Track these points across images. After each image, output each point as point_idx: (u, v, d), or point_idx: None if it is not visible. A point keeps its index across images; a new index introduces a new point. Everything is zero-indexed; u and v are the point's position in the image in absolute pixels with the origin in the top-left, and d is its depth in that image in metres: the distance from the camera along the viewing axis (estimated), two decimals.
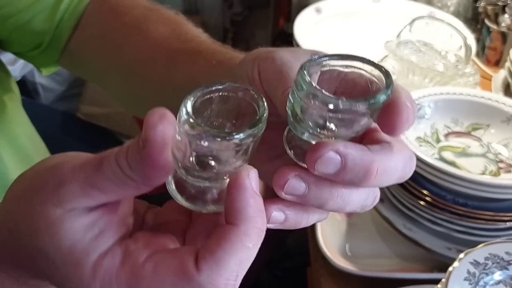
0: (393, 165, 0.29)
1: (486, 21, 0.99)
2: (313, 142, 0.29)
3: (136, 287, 0.27)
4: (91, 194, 0.27)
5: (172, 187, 0.30)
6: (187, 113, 0.27)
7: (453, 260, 0.57)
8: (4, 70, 0.63)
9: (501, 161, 0.65)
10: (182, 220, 0.32)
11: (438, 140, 0.68)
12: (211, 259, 0.26)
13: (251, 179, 0.28)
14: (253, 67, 0.34)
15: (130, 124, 1.13)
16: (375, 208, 0.68)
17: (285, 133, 0.32)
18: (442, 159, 0.65)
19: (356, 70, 0.30)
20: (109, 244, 0.28)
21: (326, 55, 0.30)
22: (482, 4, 1.00)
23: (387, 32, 0.86)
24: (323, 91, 0.27)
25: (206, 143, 0.26)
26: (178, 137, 0.27)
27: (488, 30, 0.98)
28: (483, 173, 0.63)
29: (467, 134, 0.69)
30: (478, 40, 1.00)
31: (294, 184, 0.29)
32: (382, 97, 0.27)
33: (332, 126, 0.28)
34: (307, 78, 0.28)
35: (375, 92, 0.28)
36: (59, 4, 0.55)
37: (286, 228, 0.31)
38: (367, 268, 0.63)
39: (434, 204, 0.61)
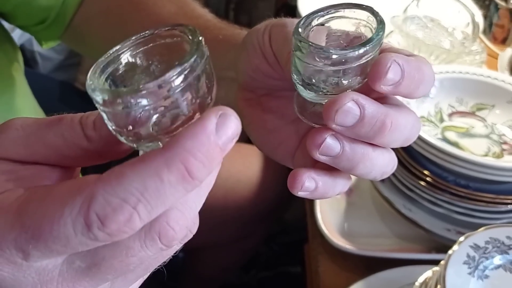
0: (404, 122, 0.29)
1: None
2: (324, 101, 0.29)
3: (25, 211, 0.23)
4: (33, 147, 0.25)
5: None
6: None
7: (452, 241, 0.56)
8: (11, 42, 0.62)
9: (505, 143, 0.64)
10: None
11: (441, 120, 0.67)
12: (114, 173, 0.22)
13: (225, 123, 0.23)
14: (264, 32, 0.34)
15: None
16: (375, 187, 0.67)
17: (294, 99, 0.33)
18: (445, 139, 0.64)
19: (348, 19, 0.30)
20: (16, 187, 0.25)
21: (316, 12, 0.30)
22: None
23: (394, 7, 0.84)
24: (323, 46, 0.28)
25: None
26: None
27: (496, 7, 0.96)
28: (486, 155, 0.62)
29: (471, 114, 0.68)
30: (485, 17, 0.98)
31: (331, 144, 0.29)
32: (377, 36, 0.28)
33: (335, 79, 0.28)
34: (303, 37, 0.28)
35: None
36: None
37: (313, 198, 0.31)
38: (365, 248, 0.63)
39: (435, 185, 0.60)
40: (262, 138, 0.37)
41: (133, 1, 0.52)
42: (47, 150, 0.26)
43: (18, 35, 1.07)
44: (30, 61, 1.15)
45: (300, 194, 0.30)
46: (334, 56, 0.27)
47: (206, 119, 0.22)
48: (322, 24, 0.30)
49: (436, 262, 0.55)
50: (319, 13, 0.30)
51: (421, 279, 0.53)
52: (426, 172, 0.61)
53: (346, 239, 0.64)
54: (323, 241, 0.65)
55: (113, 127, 0.25)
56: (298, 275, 1.16)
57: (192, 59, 0.24)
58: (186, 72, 0.23)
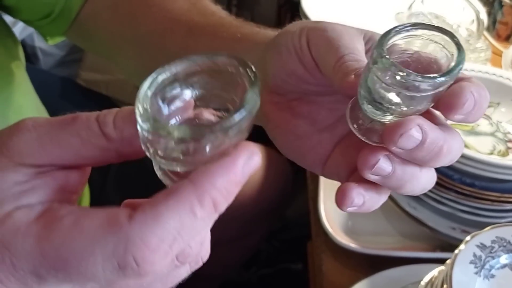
0: (455, 146, 0.29)
1: None
2: (385, 120, 0.29)
3: (48, 241, 0.23)
4: (47, 148, 0.25)
5: None
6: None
7: (457, 240, 0.56)
8: (12, 38, 0.61)
9: (510, 141, 0.64)
10: None
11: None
12: (150, 211, 0.23)
13: (249, 163, 0.24)
14: (300, 36, 0.33)
15: (131, 91, 1.11)
16: None
17: (349, 110, 0.32)
18: None
19: (424, 39, 0.29)
20: (32, 201, 0.25)
21: (396, 28, 0.29)
22: None
23: (399, 3, 0.84)
24: (412, 72, 0.27)
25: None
26: None
27: (500, 4, 0.96)
28: (492, 153, 0.62)
29: None
30: (489, 14, 0.97)
31: (383, 165, 0.29)
32: (457, 70, 0.27)
33: (407, 104, 0.28)
34: (388, 57, 0.27)
35: (448, 65, 0.28)
36: None
37: (358, 212, 0.31)
38: (369, 246, 0.63)
39: (440, 183, 0.60)
40: (290, 143, 0.36)
41: None
42: (62, 150, 0.25)
43: (19, 30, 1.07)
44: (31, 56, 1.15)
45: (349, 210, 0.30)
46: (416, 83, 0.27)
47: (238, 159, 0.24)
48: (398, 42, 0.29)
49: (440, 261, 0.54)
50: (401, 30, 0.29)
51: (426, 278, 0.52)
52: None
53: (350, 237, 0.64)
54: (326, 239, 0.64)
55: (146, 142, 0.25)
56: (299, 272, 1.16)
57: (250, 106, 0.24)
58: (241, 120, 0.24)
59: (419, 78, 0.27)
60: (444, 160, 0.29)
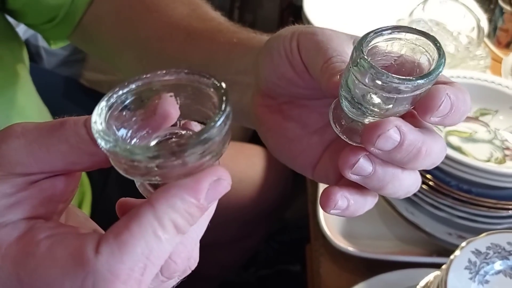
0: (435, 149, 0.29)
1: (500, 2, 0.96)
2: (365, 121, 0.29)
3: (23, 266, 0.23)
4: (37, 154, 0.25)
5: None
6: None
7: (454, 245, 0.57)
8: (18, 41, 0.62)
9: (508, 148, 0.64)
10: None
11: None
12: (115, 241, 0.22)
13: (216, 188, 0.24)
14: (291, 39, 0.34)
15: None
16: None
17: (331, 109, 0.32)
18: (448, 143, 0.64)
19: (407, 42, 0.30)
20: (16, 217, 0.25)
21: (377, 30, 0.29)
22: None
23: (400, 10, 0.84)
24: (389, 73, 0.27)
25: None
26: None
27: (501, 11, 0.96)
28: (489, 160, 0.62)
29: (474, 119, 0.68)
30: (490, 20, 0.98)
31: (364, 164, 0.29)
32: (434, 74, 0.27)
33: (386, 105, 0.28)
34: (366, 58, 0.27)
35: (429, 69, 0.28)
36: None
37: (344, 216, 0.31)
38: (366, 250, 0.63)
39: (438, 189, 0.61)
40: (281, 146, 0.36)
41: (144, 2, 0.51)
42: (51, 157, 0.25)
43: (23, 29, 1.07)
44: (35, 56, 1.15)
45: (332, 212, 0.30)
46: (394, 85, 0.27)
47: (201, 183, 0.23)
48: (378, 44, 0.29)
49: (437, 266, 0.55)
50: (382, 32, 0.29)
51: (422, 283, 0.53)
52: (428, 176, 0.61)
53: (348, 240, 0.64)
54: (325, 242, 0.65)
55: (111, 160, 0.24)
56: (297, 274, 1.16)
57: (216, 130, 0.23)
58: (206, 143, 0.23)
59: (396, 80, 0.27)
60: (424, 163, 0.29)
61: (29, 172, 0.25)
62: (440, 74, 0.28)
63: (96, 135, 0.23)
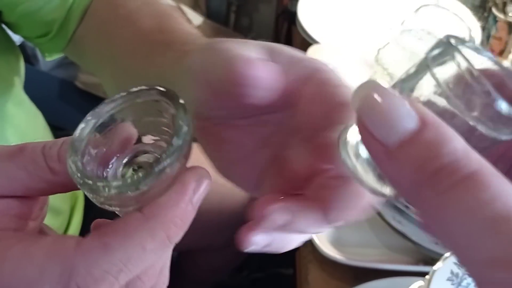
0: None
1: (494, 10, 0.97)
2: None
3: None
4: None
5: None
6: None
7: (440, 254, 0.57)
8: (15, 54, 0.63)
9: None
10: None
11: None
12: (98, 241, 0.23)
13: (200, 188, 0.24)
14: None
15: None
16: None
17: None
18: None
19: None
20: None
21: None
22: None
23: (392, 18, 0.85)
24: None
25: None
26: None
27: (495, 19, 0.97)
28: None
29: None
30: (483, 28, 0.99)
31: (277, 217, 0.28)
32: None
33: None
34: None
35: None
36: None
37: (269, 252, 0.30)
38: (354, 258, 0.64)
39: None
40: (224, 169, 0.33)
41: (120, 18, 0.50)
42: (11, 183, 0.25)
43: None
44: (31, 58, 1.16)
45: (249, 249, 0.30)
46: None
47: (186, 187, 0.24)
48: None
49: (423, 274, 0.56)
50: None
51: None
52: None
53: (336, 248, 0.65)
54: (313, 249, 0.66)
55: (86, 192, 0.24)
56: (290, 277, 1.17)
57: (176, 154, 0.23)
58: (166, 171, 0.23)
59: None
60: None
61: None
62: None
63: (69, 171, 0.24)
